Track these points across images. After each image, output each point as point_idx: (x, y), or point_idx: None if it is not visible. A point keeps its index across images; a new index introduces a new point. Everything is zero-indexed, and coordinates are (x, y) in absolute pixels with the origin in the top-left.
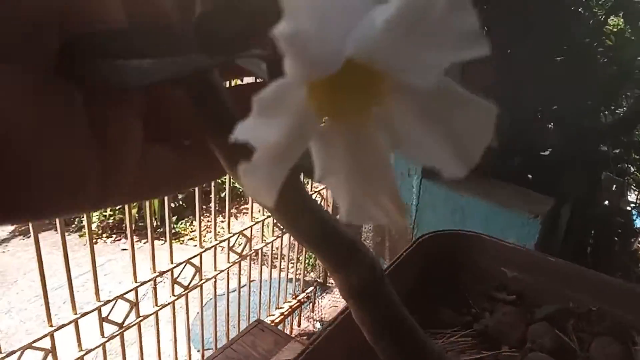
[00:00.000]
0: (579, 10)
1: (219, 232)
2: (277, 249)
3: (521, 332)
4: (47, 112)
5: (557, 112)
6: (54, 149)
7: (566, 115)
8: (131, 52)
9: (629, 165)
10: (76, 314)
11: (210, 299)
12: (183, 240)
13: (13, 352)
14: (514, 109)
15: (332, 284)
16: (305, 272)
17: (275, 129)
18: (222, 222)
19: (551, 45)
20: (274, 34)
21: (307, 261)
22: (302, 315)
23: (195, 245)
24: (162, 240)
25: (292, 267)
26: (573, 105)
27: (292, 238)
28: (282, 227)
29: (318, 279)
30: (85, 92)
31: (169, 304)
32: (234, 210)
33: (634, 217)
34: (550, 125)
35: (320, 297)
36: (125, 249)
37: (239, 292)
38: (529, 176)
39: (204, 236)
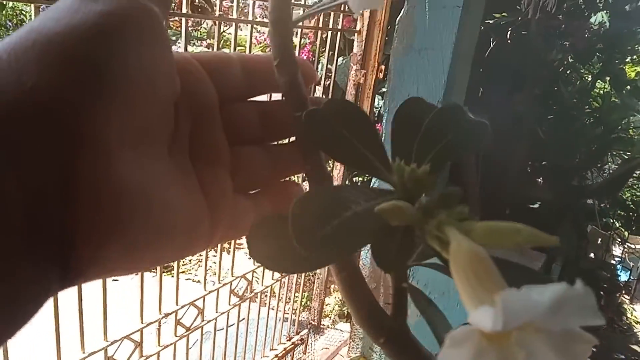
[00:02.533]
0: (567, 72)
1: (220, 274)
2: (273, 291)
3: None
4: (173, 181)
5: (546, 168)
6: (181, 210)
7: (554, 172)
8: None
9: (614, 220)
10: (84, 352)
11: (209, 331)
12: (173, 274)
13: None
14: (505, 163)
15: (324, 325)
16: (300, 312)
17: (463, 355)
18: (215, 256)
19: (541, 105)
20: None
21: (301, 302)
22: (294, 356)
23: (188, 279)
24: (154, 272)
25: (287, 305)
26: (561, 162)
27: (289, 279)
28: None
29: (312, 322)
30: (194, 162)
31: (171, 344)
32: (226, 245)
33: (619, 271)
34: (539, 180)
35: (313, 339)
36: (116, 279)
37: (237, 331)
38: None
39: (196, 270)
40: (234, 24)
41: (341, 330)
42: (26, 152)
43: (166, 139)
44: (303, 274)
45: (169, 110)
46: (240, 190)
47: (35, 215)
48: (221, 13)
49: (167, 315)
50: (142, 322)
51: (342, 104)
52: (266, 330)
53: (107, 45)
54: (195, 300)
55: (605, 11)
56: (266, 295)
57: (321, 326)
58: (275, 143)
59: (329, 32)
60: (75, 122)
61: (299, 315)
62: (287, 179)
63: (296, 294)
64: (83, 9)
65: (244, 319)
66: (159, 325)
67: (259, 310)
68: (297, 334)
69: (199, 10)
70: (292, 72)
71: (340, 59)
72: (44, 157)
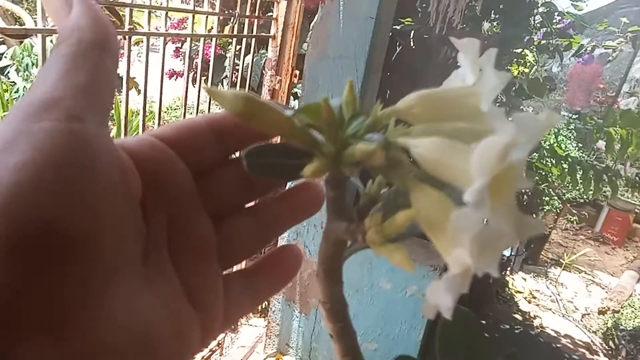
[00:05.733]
0: None
1: None
2: None
3: None
4: (153, 301)
5: None
6: (168, 331)
7: None
8: None
9: None
10: None
11: None
12: None
13: None
14: None
15: (240, 323)
16: None
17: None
18: None
19: None
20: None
21: None
22: None
23: None
24: None
25: None
26: None
27: None
28: None
29: None
30: (174, 258)
31: None
32: None
33: None
34: None
35: (230, 341)
36: None
37: None
38: None
39: None
40: (145, 37)
41: (255, 326)
42: None
43: (139, 252)
44: None
45: (135, 218)
46: (228, 266)
47: None
48: (131, 27)
49: None
50: None
51: (462, 317)
52: None
53: (35, 211)
54: None
55: (493, 22)
56: None
57: (238, 329)
58: (256, 203)
59: (244, 39)
60: (19, 307)
61: None
62: (280, 245)
63: None
64: None
65: None
66: None
67: None
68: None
69: None
70: (344, 317)
71: (249, 57)
72: None
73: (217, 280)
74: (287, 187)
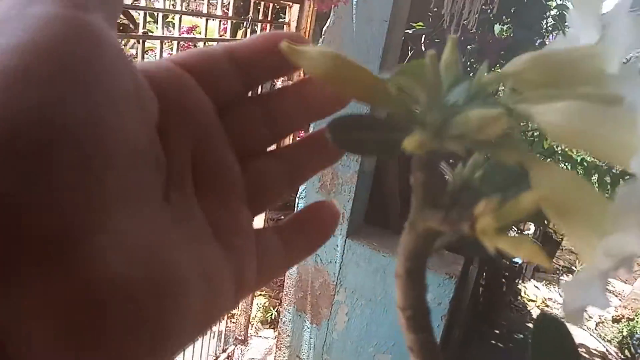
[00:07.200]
0: (471, 75)
1: None
2: None
3: None
4: (177, 242)
5: None
6: (195, 277)
7: None
8: None
9: None
10: None
11: None
12: None
13: None
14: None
15: (249, 334)
16: (226, 325)
17: None
18: None
19: None
20: None
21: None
22: None
23: None
24: None
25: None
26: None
27: None
28: None
29: (239, 336)
30: (200, 197)
31: None
32: None
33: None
34: None
35: (240, 354)
36: None
37: None
38: None
39: None
40: (159, 41)
41: (265, 338)
42: None
43: (159, 184)
44: None
45: (152, 143)
46: (257, 211)
47: None
48: (145, 31)
49: None
50: None
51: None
52: (193, 350)
53: (24, 100)
54: None
55: (505, 25)
56: None
57: (247, 342)
58: (279, 147)
59: None
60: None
61: (225, 327)
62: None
63: None
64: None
65: None
66: None
67: None
68: (224, 351)
69: (121, 29)
70: (426, 327)
71: None
72: None
73: (249, 224)
74: (309, 132)
